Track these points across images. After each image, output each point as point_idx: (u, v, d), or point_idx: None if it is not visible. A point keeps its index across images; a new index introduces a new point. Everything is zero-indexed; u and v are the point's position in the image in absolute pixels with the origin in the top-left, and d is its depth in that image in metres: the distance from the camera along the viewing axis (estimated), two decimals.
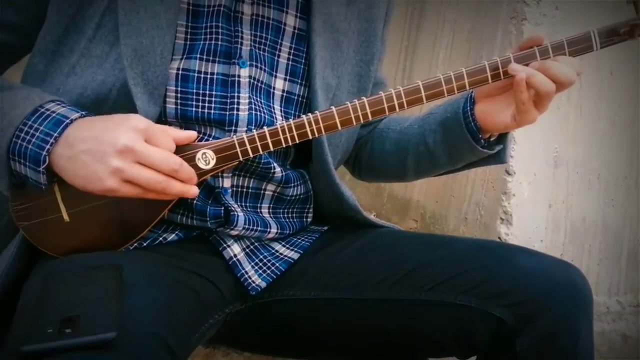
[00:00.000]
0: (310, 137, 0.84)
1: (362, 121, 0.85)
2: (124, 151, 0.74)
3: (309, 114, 0.84)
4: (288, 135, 0.83)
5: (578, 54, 0.83)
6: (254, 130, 0.83)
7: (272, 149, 0.83)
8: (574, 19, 1.53)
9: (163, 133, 0.78)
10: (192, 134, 0.82)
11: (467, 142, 0.91)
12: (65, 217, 0.83)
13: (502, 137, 0.94)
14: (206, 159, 0.82)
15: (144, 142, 0.76)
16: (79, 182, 0.77)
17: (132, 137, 0.75)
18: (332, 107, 0.84)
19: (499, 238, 1.53)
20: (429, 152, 0.97)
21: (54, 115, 0.77)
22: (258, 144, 0.82)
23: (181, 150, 0.81)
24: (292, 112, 0.94)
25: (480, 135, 0.91)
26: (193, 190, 0.80)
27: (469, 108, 0.91)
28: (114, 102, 0.82)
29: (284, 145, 0.83)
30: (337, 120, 0.84)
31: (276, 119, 0.91)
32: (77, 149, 0.75)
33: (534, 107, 0.84)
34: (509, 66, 0.83)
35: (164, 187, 0.77)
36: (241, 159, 0.83)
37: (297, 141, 0.84)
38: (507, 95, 0.87)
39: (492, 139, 0.94)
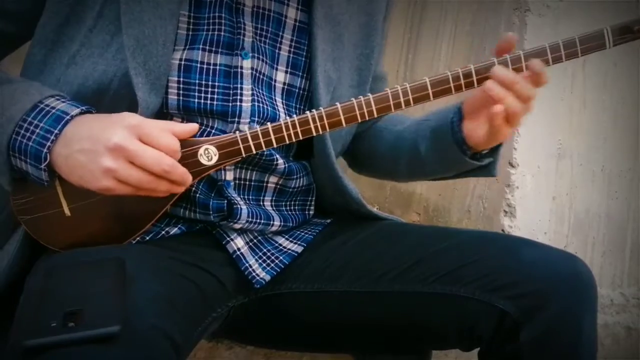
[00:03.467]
0: (315, 133, 0.83)
1: (367, 118, 0.83)
2: (116, 150, 0.74)
3: (313, 110, 0.83)
4: (292, 132, 0.82)
5: (590, 51, 0.81)
6: (257, 126, 0.82)
7: (275, 145, 0.82)
8: (578, 10, 1.51)
9: (159, 130, 0.76)
10: (193, 127, 0.81)
11: (455, 153, 0.90)
12: (67, 211, 0.82)
13: (495, 150, 0.93)
14: (208, 155, 0.81)
15: (136, 141, 0.74)
16: (76, 180, 0.77)
17: (124, 135, 0.74)
18: (337, 104, 0.83)
19: (503, 230, 1.52)
20: (420, 159, 0.97)
21: (53, 111, 0.76)
22: (261, 140, 0.81)
23: (183, 145, 0.79)
24: (294, 104, 0.93)
25: (465, 147, 0.90)
26: (180, 190, 0.79)
27: (457, 119, 0.90)
28: (115, 92, 0.82)
29: (287, 142, 0.83)
30: (342, 117, 0.83)
31: (278, 112, 0.90)
32: (72, 148, 0.75)
33: (506, 124, 0.83)
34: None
35: (153, 188, 0.77)
36: (244, 155, 0.82)
37: (301, 138, 0.83)
38: (487, 113, 0.85)
39: (483, 151, 0.92)
